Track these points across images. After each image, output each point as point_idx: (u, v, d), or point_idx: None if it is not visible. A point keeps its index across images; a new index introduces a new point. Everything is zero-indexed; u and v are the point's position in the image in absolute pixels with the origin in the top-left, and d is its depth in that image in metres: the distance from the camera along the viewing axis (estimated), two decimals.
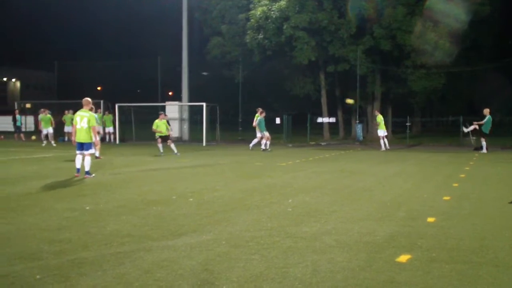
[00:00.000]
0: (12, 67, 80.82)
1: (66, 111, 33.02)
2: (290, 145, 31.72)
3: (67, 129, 32.47)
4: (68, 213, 8.87)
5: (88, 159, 14.43)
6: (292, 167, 18.03)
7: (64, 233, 7.39)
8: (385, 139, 27.86)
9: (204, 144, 30.77)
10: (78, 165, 14.55)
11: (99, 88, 78.31)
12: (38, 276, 5.47)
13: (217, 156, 22.64)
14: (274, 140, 31.30)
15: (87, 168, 14.34)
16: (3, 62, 78.06)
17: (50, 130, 29.41)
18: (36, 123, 35.77)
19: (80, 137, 14.41)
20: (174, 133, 34.85)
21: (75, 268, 5.74)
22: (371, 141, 35.81)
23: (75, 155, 14.80)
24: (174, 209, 9.41)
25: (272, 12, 34.02)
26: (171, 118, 35.04)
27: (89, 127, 14.40)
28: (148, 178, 14.53)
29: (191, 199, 10.53)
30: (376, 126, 28.50)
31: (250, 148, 26.47)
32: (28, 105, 41.70)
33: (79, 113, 14.58)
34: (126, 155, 22.70)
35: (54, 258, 6.15)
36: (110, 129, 33.19)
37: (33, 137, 33.51)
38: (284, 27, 33.63)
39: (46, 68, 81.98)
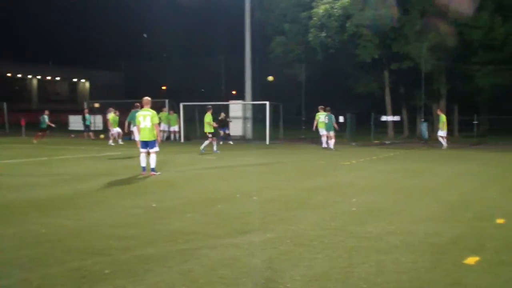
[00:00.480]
0: (82, 68, 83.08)
1: (133, 110, 33.71)
2: (354, 143, 31.41)
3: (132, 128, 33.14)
4: (135, 210, 9.09)
5: (153, 157, 14.67)
6: (356, 166, 17.87)
7: (131, 230, 7.57)
8: (444, 140, 27.37)
9: (267, 142, 30.83)
10: (143, 164, 14.79)
11: (164, 87, 79.62)
12: (107, 271, 5.63)
13: (280, 155, 22.67)
14: (337, 139, 31.06)
15: (153, 165, 14.61)
16: (73, 63, 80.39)
17: (118, 129, 30.13)
18: (105, 122, 36.73)
19: (145, 136, 14.63)
20: (238, 131, 35.15)
21: (142, 264, 5.88)
22: (436, 140, 35.05)
23: (140, 153, 15.08)
24: (238, 207, 9.50)
25: (335, 10, 33.74)
26: (235, 116, 35.33)
27: (152, 126, 14.59)
28: (212, 176, 14.69)
29: (255, 198, 10.59)
30: (439, 126, 27.96)
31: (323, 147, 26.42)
32: (96, 105, 42.84)
33: (141, 112, 14.79)
34: (190, 153, 23.01)
35: (121, 253, 6.32)
36: (175, 128, 33.67)
37: (102, 136, 34.38)
38: (347, 24, 33.30)
39: (114, 68, 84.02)
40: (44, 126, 31.23)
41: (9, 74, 75.08)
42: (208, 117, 22.71)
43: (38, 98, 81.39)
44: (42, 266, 5.83)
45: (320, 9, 34.37)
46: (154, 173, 14.53)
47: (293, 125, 41.20)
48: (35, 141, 28.97)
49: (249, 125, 36.18)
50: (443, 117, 27.52)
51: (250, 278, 5.45)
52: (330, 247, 6.65)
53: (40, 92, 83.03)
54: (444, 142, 27.31)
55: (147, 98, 15.01)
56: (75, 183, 12.78)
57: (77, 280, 5.35)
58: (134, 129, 29.90)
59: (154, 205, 9.63)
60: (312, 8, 35.81)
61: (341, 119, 36.24)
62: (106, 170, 15.97)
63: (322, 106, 26.81)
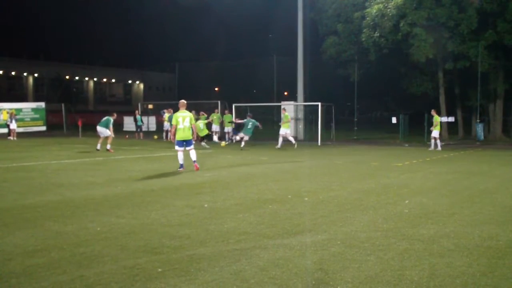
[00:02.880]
0: (136, 70, 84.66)
1: (202, 113, 34.12)
2: (407, 144, 30.98)
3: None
4: (187, 210, 9.20)
5: (193, 152, 16.04)
6: (409, 167, 17.62)
7: (184, 229, 7.67)
8: (438, 141, 26.67)
9: (319, 143, 30.72)
10: (181, 161, 15.86)
11: (216, 89, 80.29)
12: (159, 269, 5.73)
13: (332, 156, 22.56)
14: (390, 140, 30.71)
15: (194, 158, 16.00)
16: (129, 65, 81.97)
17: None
18: (158, 122, 37.34)
19: (183, 135, 15.77)
20: (290, 132, 35.13)
21: (194, 263, 5.95)
22: (492, 141, 34.23)
23: (177, 152, 16.05)
24: (290, 208, 9.50)
25: (389, 10, 33.33)
26: None
27: (190, 125, 15.83)
28: (264, 176, 14.73)
29: (306, 199, 10.58)
30: (432, 127, 27.14)
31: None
32: (150, 106, 43.57)
33: (179, 114, 15.89)
34: (242, 154, 23.13)
35: (174, 252, 6.42)
36: (228, 129, 33.88)
37: (155, 137, 34.93)
38: (401, 24, 32.85)
39: (167, 70, 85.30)
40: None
41: (67, 77, 77.11)
42: (228, 117, 23.41)
43: (94, 100, 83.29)
44: (97, 263, 5.98)
45: (374, 9, 34.02)
46: (197, 164, 15.95)
47: (345, 126, 40.98)
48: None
49: (301, 126, 36.12)
50: (437, 118, 26.81)
51: (301, 279, 5.45)
52: (381, 249, 6.59)
53: (96, 94, 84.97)
54: (438, 143, 26.67)
55: (183, 101, 16.41)
56: (129, 183, 13.03)
57: (130, 278, 5.46)
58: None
59: (206, 205, 9.73)
60: (365, 8, 35.50)
61: (393, 120, 35.79)
62: (160, 170, 16.20)
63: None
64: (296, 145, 27.06)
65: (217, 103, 35.67)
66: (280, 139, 27.32)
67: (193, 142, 16.23)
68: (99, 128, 23.62)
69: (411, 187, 12.58)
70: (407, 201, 10.26)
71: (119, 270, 5.71)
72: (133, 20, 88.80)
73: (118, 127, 41.12)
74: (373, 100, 58.89)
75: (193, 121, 16.05)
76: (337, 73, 43.41)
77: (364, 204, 9.95)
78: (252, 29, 73.39)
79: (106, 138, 23.41)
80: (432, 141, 26.83)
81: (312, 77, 42.68)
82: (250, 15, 69.19)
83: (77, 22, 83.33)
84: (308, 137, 34.80)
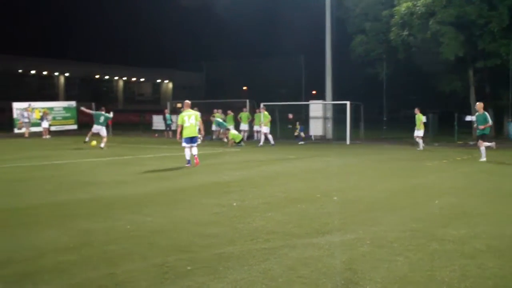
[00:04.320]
0: (165, 69, 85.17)
1: (215, 110, 34.20)
2: (436, 144, 30.62)
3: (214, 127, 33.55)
4: (216, 209, 9.23)
5: (195, 148, 16.81)
6: (439, 167, 17.43)
7: (213, 228, 7.70)
8: (420, 140, 26.03)
9: (347, 142, 30.55)
10: (188, 157, 16.66)
11: (244, 88, 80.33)
12: (188, 267, 5.76)
13: (361, 155, 22.41)
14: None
15: (195, 153, 16.75)
16: (156, 64, 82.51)
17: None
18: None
19: (190, 133, 16.59)
20: (318, 132, 35.02)
21: (223, 262, 5.97)
22: None
23: (184, 149, 16.79)
24: (318, 207, 9.47)
25: (418, 8, 32.99)
26: (315, 117, 35.22)
27: (196, 124, 16.70)
28: (292, 175, 14.72)
29: (335, 198, 10.53)
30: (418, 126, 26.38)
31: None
32: (178, 105, 43.79)
33: (185, 113, 16.74)
34: (271, 152, 23.13)
35: (203, 251, 6.44)
36: (257, 127, 33.86)
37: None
38: (430, 22, 32.49)
39: (196, 69, 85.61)
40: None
41: (97, 76, 77.95)
42: (259, 117, 24.74)
43: (124, 99, 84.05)
44: (127, 261, 6.03)
45: (402, 7, 33.71)
46: (198, 162, 16.73)
47: (374, 125, 40.68)
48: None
49: (329, 125, 35.95)
50: (419, 117, 26.05)
51: (329, 278, 5.44)
52: (411, 249, 6.53)
53: (125, 93, 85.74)
54: (421, 142, 25.94)
55: (187, 101, 17.42)
56: (158, 181, 13.13)
57: (160, 276, 5.50)
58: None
59: (235, 203, 9.75)
60: (393, 6, 35.20)
61: (423, 119, 35.40)
62: (189, 169, 16.27)
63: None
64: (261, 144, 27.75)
65: (246, 102, 35.68)
66: (263, 137, 28.07)
67: (199, 139, 17.37)
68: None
69: (440, 187, 12.44)
70: (436, 201, 10.15)
71: (148, 268, 5.76)
72: (162, 19, 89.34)
73: (147, 126, 41.52)
74: (402, 99, 58.39)
75: (198, 119, 16.91)
76: (365, 72, 43.15)
77: (393, 204, 9.88)
78: (280, 28, 73.11)
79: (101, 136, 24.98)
80: (420, 141, 26.04)
81: (340, 76, 42.45)
82: (278, 14, 68.93)
83: (106, 23, 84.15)
84: (336, 136, 34.63)
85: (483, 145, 18.76)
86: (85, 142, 25.76)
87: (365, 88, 52.97)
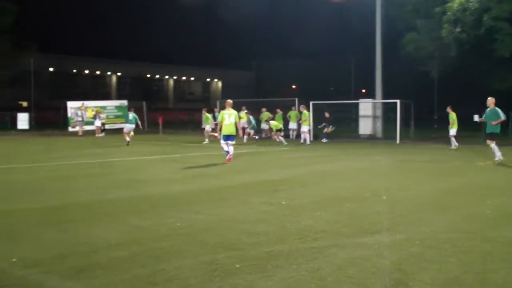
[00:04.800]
0: (215, 68, 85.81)
1: (263, 109, 34.26)
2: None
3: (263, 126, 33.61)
4: (265, 207, 9.25)
5: (232, 148, 17.46)
6: (491, 167, 17.03)
7: (261, 226, 7.72)
8: (453, 139, 25.09)
9: (397, 142, 30.16)
10: (226, 149, 17.34)
11: (294, 86, 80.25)
12: (237, 265, 5.79)
13: (411, 154, 22.10)
14: (470, 139, 29.80)
15: (231, 152, 17.34)
16: (206, 63, 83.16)
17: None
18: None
19: (229, 131, 17.31)
20: (367, 130, 34.68)
21: (271, 260, 5.98)
22: None
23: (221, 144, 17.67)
24: (367, 206, 9.39)
25: (471, 4, 32.29)
26: (364, 115, 34.91)
27: (235, 123, 17.43)
28: (341, 174, 14.64)
29: (384, 197, 10.42)
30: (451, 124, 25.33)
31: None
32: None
33: (226, 111, 17.56)
34: (319, 152, 23.04)
35: (251, 249, 6.46)
36: (307, 127, 33.76)
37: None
38: (484, 18, 31.76)
39: (246, 68, 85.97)
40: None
41: (148, 75, 79.10)
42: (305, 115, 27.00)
43: (174, 98, 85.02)
44: (176, 257, 6.10)
45: (455, 3, 33.03)
46: (231, 157, 17.28)
47: (424, 124, 40.08)
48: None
49: (379, 124, 35.57)
50: (452, 115, 25.24)
51: (379, 279, 5.38)
52: (463, 251, 6.40)
53: (175, 91, 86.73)
54: (454, 141, 25.04)
55: (229, 101, 18.19)
56: (206, 179, 13.24)
57: (209, 273, 5.55)
58: (207, 127, 30.20)
59: (283, 202, 9.75)
60: (446, 2, 34.53)
61: (475, 117, 34.64)
62: (238, 166, 16.36)
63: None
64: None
65: (295, 100, 35.62)
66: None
67: (235, 138, 17.81)
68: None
69: (493, 186, 12.16)
70: (489, 202, 9.92)
71: (198, 265, 5.81)
72: (213, 18, 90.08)
73: (197, 125, 41.86)
74: (453, 97, 57.39)
75: (237, 119, 17.74)
76: (416, 69, 42.52)
77: (443, 204, 9.70)
78: (329, 26, 72.75)
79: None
80: (453, 139, 25.28)
81: (390, 74, 41.94)
82: (328, 13, 68.63)
83: (158, 23, 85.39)
84: (386, 135, 34.24)
85: (493, 142, 17.49)
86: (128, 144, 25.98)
87: (416, 87, 52.23)
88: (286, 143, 27.37)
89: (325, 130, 30.95)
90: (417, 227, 7.71)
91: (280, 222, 8.02)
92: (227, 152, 17.26)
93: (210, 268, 5.71)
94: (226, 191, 11.21)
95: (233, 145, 17.61)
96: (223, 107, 20.53)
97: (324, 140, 30.52)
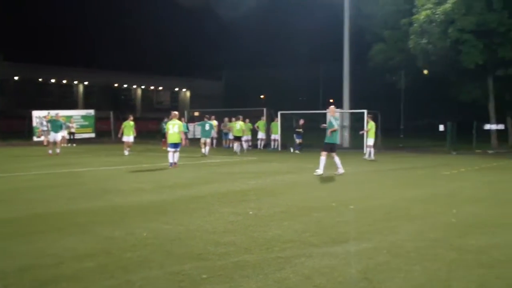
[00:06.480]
0: (183, 78, 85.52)
1: (234, 119, 34.29)
2: (455, 153, 30.43)
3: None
4: (232, 217, 9.24)
5: (177, 155, 19.52)
6: (457, 176, 17.31)
7: (229, 236, 7.71)
8: (372, 149, 24.72)
9: (365, 151, 30.38)
10: (171, 160, 19.30)
11: (262, 96, 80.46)
12: (204, 276, 5.77)
13: (378, 164, 22.32)
14: (437, 148, 30.25)
15: (176, 160, 19.43)
16: (175, 72, 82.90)
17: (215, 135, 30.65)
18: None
19: (173, 139, 19.35)
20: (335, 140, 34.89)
21: (238, 270, 5.98)
22: None
23: (168, 152, 19.41)
24: (335, 216, 9.45)
25: (437, 16, 32.83)
26: None
27: (179, 132, 19.49)
28: (309, 184, 14.70)
29: (351, 207, 10.50)
30: (366, 133, 25.12)
31: None
32: (196, 113, 43.93)
33: (171, 122, 19.76)
34: (287, 161, 23.13)
35: (219, 259, 6.46)
36: (276, 136, 33.88)
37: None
38: (450, 30, 32.31)
39: (214, 77, 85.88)
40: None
41: (116, 85, 78.53)
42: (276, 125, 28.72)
43: (142, 107, 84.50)
44: (143, 268, 6.06)
45: (421, 15, 33.57)
46: (177, 165, 19.30)
47: (391, 134, 40.54)
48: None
49: (346, 133, 35.86)
50: (371, 124, 24.90)
51: None
52: (428, 259, 6.49)
53: (143, 101, 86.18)
54: (372, 152, 24.55)
55: (175, 112, 20.48)
56: (175, 189, 13.18)
57: (176, 284, 5.53)
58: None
59: (251, 212, 9.76)
60: (412, 14, 35.08)
61: (441, 127, 35.16)
62: (206, 177, 16.34)
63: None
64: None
65: (263, 110, 35.72)
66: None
67: (180, 146, 19.75)
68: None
69: (459, 196, 12.37)
70: (455, 211, 10.07)
71: (165, 276, 5.79)
72: (181, 29, 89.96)
73: (165, 135, 41.63)
74: (420, 108, 58.22)
75: (181, 128, 19.81)
76: (384, 80, 43.02)
77: (410, 213, 9.82)
78: (298, 36, 73.18)
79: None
80: (367, 149, 24.97)
81: (358, 84, 42.37)
82: (296, 23, 69.11)
83: (125, 31, 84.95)
84: (353, 144, 34.53)
85: (324, 155, 16.99)
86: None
87: (384, 97, 52.84)
88: (239, 154, 27.75)
89: (298, 140, 30.91)
90: (384, 236, 7.80)
91: (247, 232, 8.02)
92: (171, 163, 19.26)
93: (177, 278, 5.68)
94: (195, 201, 11.17)
95: (178, 151, 19.57)
96: (192, 117, 21.32)
97: (297, 151, 30.32)
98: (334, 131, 17.25)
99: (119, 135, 27.28)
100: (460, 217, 9.40)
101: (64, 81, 75.08)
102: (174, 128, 19.49)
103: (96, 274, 5.84)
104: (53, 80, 73.39)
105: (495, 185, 14.86)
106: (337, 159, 17.13)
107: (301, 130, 30.72)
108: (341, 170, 17.03)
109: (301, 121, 30.97)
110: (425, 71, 32.65)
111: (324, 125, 18.07)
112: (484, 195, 12.51)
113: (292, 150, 30.63)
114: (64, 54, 74.89)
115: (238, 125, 29.68)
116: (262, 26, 75.29)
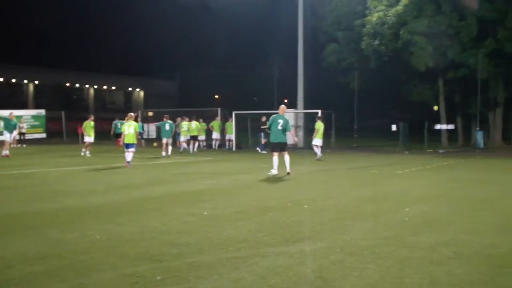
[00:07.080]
0: (137, 77, 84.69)
1: (187, 118, 34.07)
2: (407, 152, 31.00)
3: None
4: (187, 218, 9.19)
5: (131, 154, 19.76)
6: (409, 175, 17.62)
7: (183, 237, 7.66)
8: (319, 149, 24.62)
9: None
10: (128, 159, 19.58)
11: (216, 96, 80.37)
12: (159, 277, 5.72)
13: (332, 164, 22.54)
14: (389, 147, 30.73)
15: (129, 159, 19.63)
16: (128, 72, 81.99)
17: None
18: (158, 130, 37.31)
19: (129, 140, 19.69)
20: (290, 140, 35.08)
21: (193, 271, 5.94)
22: (492, 149, 34.24)
23: (125, 152, 19.70)
24: (289, 215, 9.49)
25: (389, 18, 33.42)
26: None
27: (134, 133, 19.86)
28: (263, 184, 14.74)
29: (306, 206, 10.57)
30: (315, 133, 24.84)
31: None
32: (150, 113, 43.59)
33: (127, 123, 20.13)
34: (242, 161, 23.15)
35: (173, 260, 6.41)
36: (231, 136, 33.83)
37: (155, 144, 34.93)
38: (401, 32, 32.92)
39: (168, 77, 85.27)
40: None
41: (67, 84, 77.18)
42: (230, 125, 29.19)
43: (95, 107, 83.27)
44: (96, 271, 5.96)
45: (374, 17, 34.12)
46: (129, 165, 19.59)
47: (345, 134, 40.97)
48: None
49: (300, 133, 36.10)
50: (319, 124, 24.86)
51: (300, 287, 5.45)
52: (381, 257, 6.58)
53: (96, 101, 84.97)
54: (318, 151, 24.52)
55: (131, 114, 21.10)
56: (129, 190, 13.03)
57: (130, 286, 5.45)
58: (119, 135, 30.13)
59: (206, 212, 9.72)
60: (365, 15, 35.61)
61: (393, 127, 35.76)
62: (160, 177, 16.22)
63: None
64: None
65: (217, 110, 35.68)
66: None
67: (135, 146, 20.20)
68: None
69: (411, 195, 12.58)
70: (407, 209, 10.25)
71: (119, 278, 5.70)
72: (133, 27, 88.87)
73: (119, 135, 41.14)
74: (373, 108, 59.03)
75: (137, 129, 20.36)
76: (337, 80, 43.46)
77: (364, 212, 9.94)
78: (252, 37, 73.39)
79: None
80: (315, 148, 24.79)
81: (312, 84, 42.69)
82: (250, 24, 69.20)
83: (77, 30, 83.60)
84: (308, 144, 34.78)
85: (275, 155, 17.03)
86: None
87: (337, 97, 53.38)
88: (191, 153, 28.45)
89: (262, 140, 30.58)
90: (338, 235, 7.87)
91: (202, 232, 7.99)
92: (128, 162, 19.62)
93: (131, 280, 5.61)
94: (149, 202, 11.07)
95: (132, 152, 19.86)
96: (145, 117, 21.47)
97: (264, 151, 29.49)
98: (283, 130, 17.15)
99: (85, 137, 26.55)
100: (412, 215, 9.56)
101: (13, 80, 73.43)
102: (129, 129, 19.88)
103: (47, 278, 5.71)
104: (1, 79, 71.66)
105: (446, 184, 15.17)
106: (287, 158, 16.98)
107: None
108: (275, 171, 16.72)
109: (263, 118, 30.80)
110: (435, 107, 34.17)
111: (265, 127, 18.37)
112: (435, 194, 12.76)
113: (259, 150, 30.28)
114: (13, 52, 73.11)
115: (194, 125, 29.67)
116: (215, 26, 75.17)
